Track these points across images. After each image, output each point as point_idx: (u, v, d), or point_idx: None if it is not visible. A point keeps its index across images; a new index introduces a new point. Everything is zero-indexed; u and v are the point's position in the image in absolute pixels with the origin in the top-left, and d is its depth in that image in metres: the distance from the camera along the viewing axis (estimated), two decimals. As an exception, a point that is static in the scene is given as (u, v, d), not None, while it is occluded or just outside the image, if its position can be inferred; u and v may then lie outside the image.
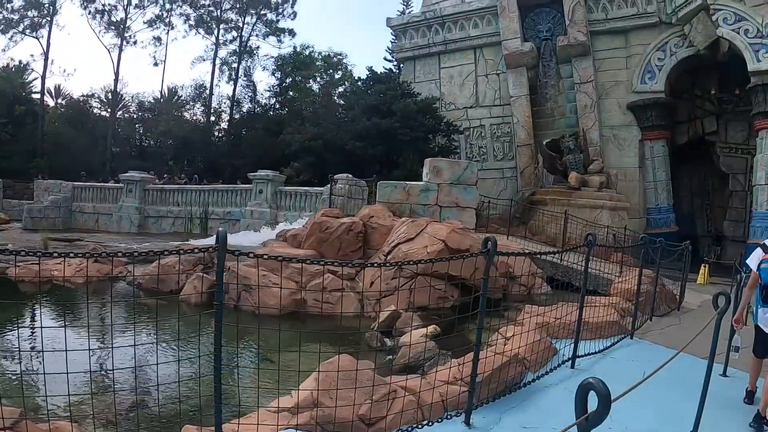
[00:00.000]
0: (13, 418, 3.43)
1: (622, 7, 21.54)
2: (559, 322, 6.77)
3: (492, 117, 24.42)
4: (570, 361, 5.74)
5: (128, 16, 41.06)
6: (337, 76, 43.94)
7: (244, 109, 43.11)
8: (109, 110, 42.51)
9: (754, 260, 5.20)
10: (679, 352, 4.69)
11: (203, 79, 46.24)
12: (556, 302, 7.53)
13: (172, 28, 43.60)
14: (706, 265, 15.91)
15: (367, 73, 27.79)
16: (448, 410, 4.46)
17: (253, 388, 5.17)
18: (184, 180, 28.51)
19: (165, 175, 30.13)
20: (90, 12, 40.43)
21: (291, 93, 40.15)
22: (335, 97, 38.55)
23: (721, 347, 5.14)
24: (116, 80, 41.60)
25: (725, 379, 6.17)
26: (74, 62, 73.00)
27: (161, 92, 46.45)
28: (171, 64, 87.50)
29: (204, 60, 44.08)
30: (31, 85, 42.24)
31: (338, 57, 44.23)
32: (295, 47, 42.66)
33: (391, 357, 6.94)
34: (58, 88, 45.89)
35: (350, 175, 17.90)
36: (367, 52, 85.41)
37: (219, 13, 41.91)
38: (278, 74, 41.73)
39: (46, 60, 39.59)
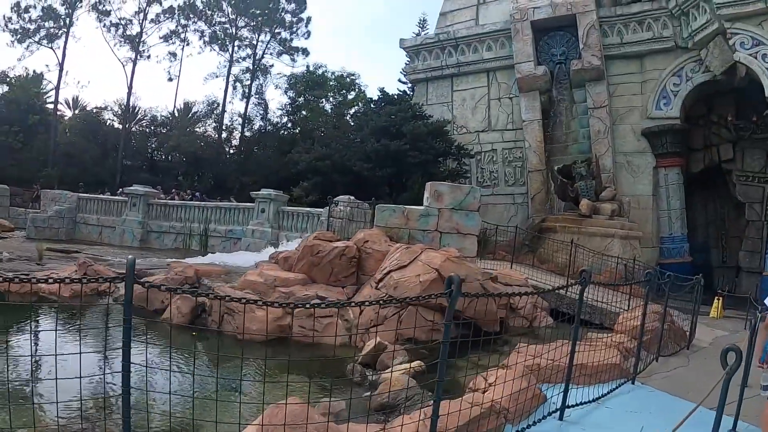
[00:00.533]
0: None
1: (638, 32, 21.06)
2: (553, 365, 6.20)
3: (504, 141, 23.89)
4: (558, 412, 5.16)
5: (143, 30, 41.51)
6: (350, 97, 43.81)
7: (256, 127, 43.17)
8: (121, 123, 42.79)
9: None
10: (690, 414, 4.13)
11: (215, 95, 46.41)
12: (559, 337, 6.98)
13: (188, 44, 44.05)
14: (720, 298, 15.20)
15: (379, 94, 27.58)
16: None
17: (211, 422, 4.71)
18: (190, 196, 28.35)
19: (173, 190, 30.03)
20: (105, 25, 40.99)
21: (303, 112, 40.06)
22: (347, 118, 38.35)
23: (732, 395, 4.62)
24: (129, 93, 42.00)
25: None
26: (88, 74, 73.31)
27: (174, 107, 46.76)
28: (184, 79, 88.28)
29: (217, 76, 44.42)
30: (47, 95, 42.70)
31: (351, 77, 44.11)
32: (308, 66, 42.80)
33: (368, 394, 6.42)
34: (75, 100, 46.51)
35: (352, 197, 17.47)
36: (382, 74, 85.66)
37: (234, 31, 42.22)
38: (291, 93, 41.78)
39: (60, 71, 40.12)
